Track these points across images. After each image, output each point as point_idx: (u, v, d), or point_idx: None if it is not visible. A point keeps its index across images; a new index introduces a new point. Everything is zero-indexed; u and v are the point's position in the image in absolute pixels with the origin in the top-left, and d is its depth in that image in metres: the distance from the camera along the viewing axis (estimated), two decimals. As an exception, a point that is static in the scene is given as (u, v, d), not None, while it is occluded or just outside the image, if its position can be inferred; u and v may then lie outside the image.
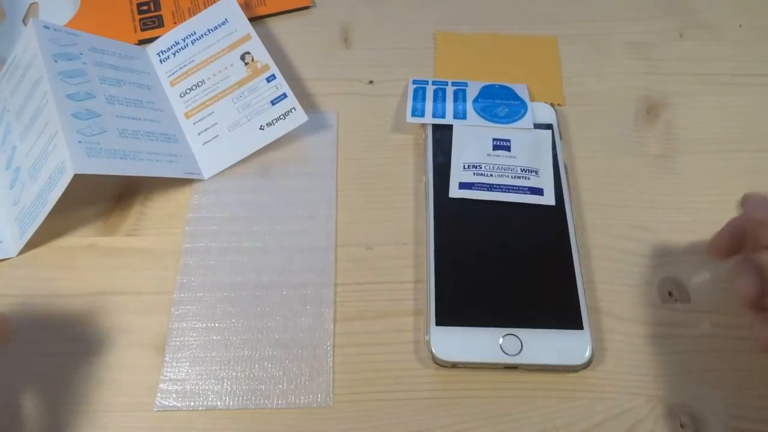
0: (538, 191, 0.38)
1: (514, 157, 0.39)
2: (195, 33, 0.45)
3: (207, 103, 0.42)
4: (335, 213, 0.39)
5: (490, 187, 0.38)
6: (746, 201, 0.34)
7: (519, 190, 0.37)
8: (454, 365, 0.33)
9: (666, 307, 0.35)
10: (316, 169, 0.41)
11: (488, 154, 0.39)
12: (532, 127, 0.40)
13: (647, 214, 0.39)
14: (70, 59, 0.40)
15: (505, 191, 0.37)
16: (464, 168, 0.38)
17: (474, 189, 0.38)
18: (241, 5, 0.45)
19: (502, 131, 0.40)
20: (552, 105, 0.42)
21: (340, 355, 0.34)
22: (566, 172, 0.39)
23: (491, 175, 0.38)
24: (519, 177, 0.38)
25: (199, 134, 0.42)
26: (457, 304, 0.34)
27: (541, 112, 0.41)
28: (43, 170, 0.37)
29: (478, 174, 0.38)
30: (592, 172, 0.40)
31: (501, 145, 0.39)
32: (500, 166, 0.38)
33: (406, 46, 0.47)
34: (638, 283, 0.36)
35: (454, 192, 0.38)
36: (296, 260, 0.37)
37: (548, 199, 0.37)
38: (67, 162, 0.35)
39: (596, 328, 0.35)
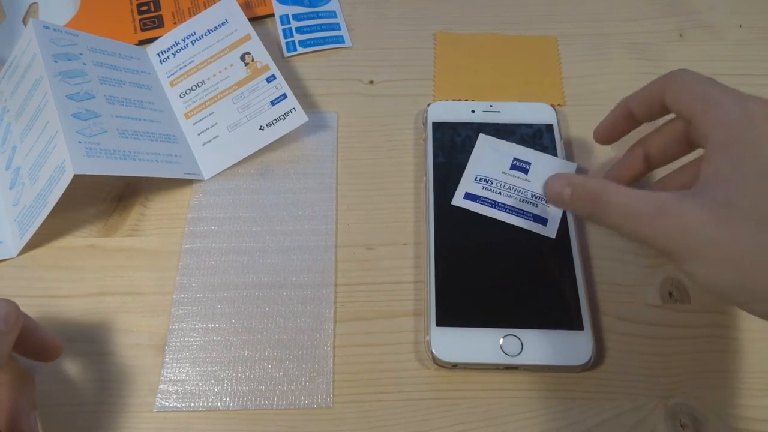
0: (542, 221, 0.37)
1: (529, 181, 0.38)
2: (195, 33, 0.45)
3: (207, 104, 0.42)
4: (335, 213, 0.39)
5: (494, 205, 0.37)
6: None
7: (522, 214, 0.37)
8: (454, 366, 0.33)
9: (666, 307, 0.35)
10: (316, 169, 0.41)
11: (504, 172, 0.38)
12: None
13: (647, 215, 0.39)
14: (70, 59, 0.40)
15: (508, 212, 0.37)
16: (475, 179, 0.38)
17: (477, 202, 0.37)
18: (241, 5, 0.45)
19: (525, 152, 0.39)
20: (552, 105, 0.42)
21: (341, 355, 0.34)
22: (566, 173, 0.39)
23: (500, 193, 0.37)
24: (527, 202, 0.37)
25: (199, 134, 0.42)
26: (458, 304, 0.34)
27: (541, 112, 0.41)
28: (43, 170, 0.37)
29: (487, 189, 0.38)
30: (592, 172, 0.40)
31: (519, 166, 0.38)
32: (512, 187, 0.38)
33: (406, 46, 0.47)
34: (638, 284, 0.36)
35: (458, 200, 0.38)
36: (296, 260, 0.37)
37: (549, 231, 0.36)
38: (67, 162, 0.35)
39: (597, 328, 0.35)
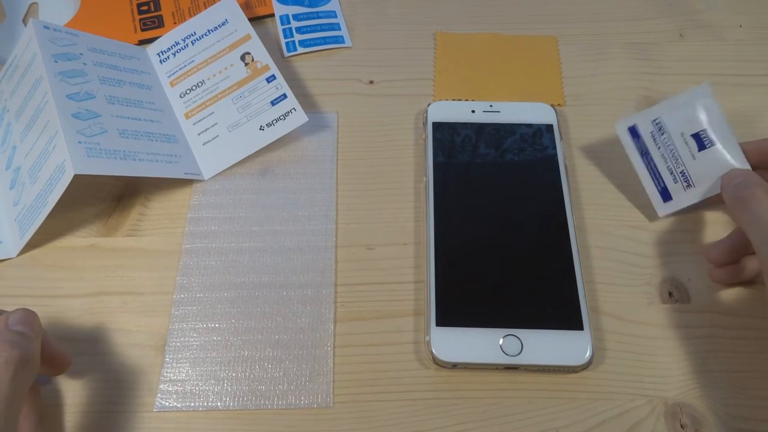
0: (666, 196, 0.36)
1: (694, 159, 0.36)
2: (195, 33, 0.45)
3: (207, 104, 0.42)
4: (335, 213, 0.39)
5: (644, 154, 0.37)
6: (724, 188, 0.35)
7: (656, 179, 0.36)
8: (454, 366, 0.33)
9: (666, 307, 0.35)
10: (316, 169, 0.41)
11: (682, 133, 0.36)
12: None
13: (647, 214, 0.39)
14: (70, 59, 0.40)
15: (647, 168, 0.37)
16: (654, 121, 0.36)
17: (633, 140, 0.37)
18: (241, 5, 0.45)
19: (722, 132, 0.35)
20: (552, 105, 0.42)
21: (341, 355, 0.34)
22: (566, 172, 0.39)
23: (659, 148, 0.36)
24: (672, 173, 0.36)
25: (199, 134, 0.42)
26: (458, 304, 0.34)
27: (541, 112, 0.41)
28: (43, 170, 0.37)
29: (652, 136, 0.36)
30: (592, 172, 0.40)
31: (701, 140, 0.35)
32: (674, 152, 0.36)
33: (406, 46, 0.47)
34: (638, 283, 0.36)
35: (621, 126, 0.38)
36: (296, 260, 0.37)
37: (666, 209, 0.37)
38: (67, 162, 0.35)
39: (596, 328, 0.35)
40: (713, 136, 0.36)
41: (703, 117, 0.36)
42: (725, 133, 0.36)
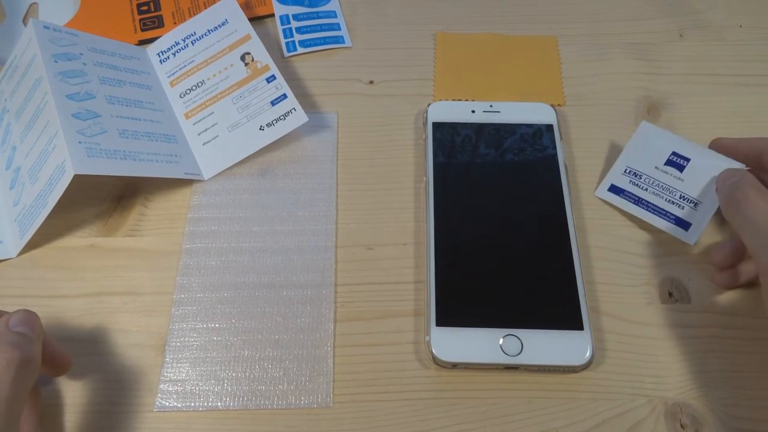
0: (684, 225, 0.36)
1: (682, 181, 0.36)
2: (195, 33, 0.45)
3: (207, 104, 0.42)
4: (335, 213, 0.39)
5: (638, 201, 0.37)
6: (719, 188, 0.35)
7: (665, 215, 0.36)
8: (454, 366, 0.33)
9: (666, 307, 0.35)
10: (316, 169, 0.41)
11: (656, 167, 0.37)
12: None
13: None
14: (70, 59, 0.40)
15: (650, 211, 0.37)
16: (625, 171, 0.37)
17: (621, 196, 0.37)
18: (241, 5, 0.45)
19: (687, 147, 0.37)
20: (552, 105, 0.42)
21: (341, 355, 0.34)
22: (566, 172, 0.39)
23: (646, 189, 0.36)
24: (674, 203, 0.36)
25: (199, 134, 0.42)
26: (458, 304, 0.34)
27: (541, 112, 0.41)
28: (43, 171, 0.37)
29: (634, 184, 0.37)
30: (592, 172, 0.40)
31: (675, 163, 0.36)
32: (661, 185, 0.36)
33: (406, 46, 0.47)
34: (638, 284, 0.36)
35: (601, 192, 0.38)
36: (296, 261, 0.37)
37: (690, 237, 0.36)
38: (67, 162, 0.35)
39: (596, 328, 0.35)
40: (683, 153, 0.37)
41: (662, 144, 0.37)
42: (690, 146, 0.37)
